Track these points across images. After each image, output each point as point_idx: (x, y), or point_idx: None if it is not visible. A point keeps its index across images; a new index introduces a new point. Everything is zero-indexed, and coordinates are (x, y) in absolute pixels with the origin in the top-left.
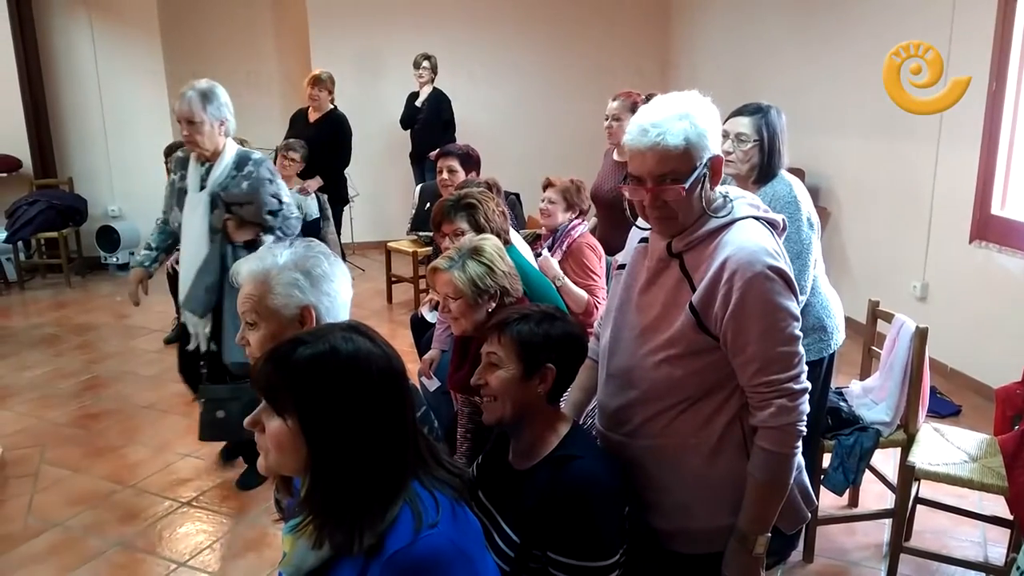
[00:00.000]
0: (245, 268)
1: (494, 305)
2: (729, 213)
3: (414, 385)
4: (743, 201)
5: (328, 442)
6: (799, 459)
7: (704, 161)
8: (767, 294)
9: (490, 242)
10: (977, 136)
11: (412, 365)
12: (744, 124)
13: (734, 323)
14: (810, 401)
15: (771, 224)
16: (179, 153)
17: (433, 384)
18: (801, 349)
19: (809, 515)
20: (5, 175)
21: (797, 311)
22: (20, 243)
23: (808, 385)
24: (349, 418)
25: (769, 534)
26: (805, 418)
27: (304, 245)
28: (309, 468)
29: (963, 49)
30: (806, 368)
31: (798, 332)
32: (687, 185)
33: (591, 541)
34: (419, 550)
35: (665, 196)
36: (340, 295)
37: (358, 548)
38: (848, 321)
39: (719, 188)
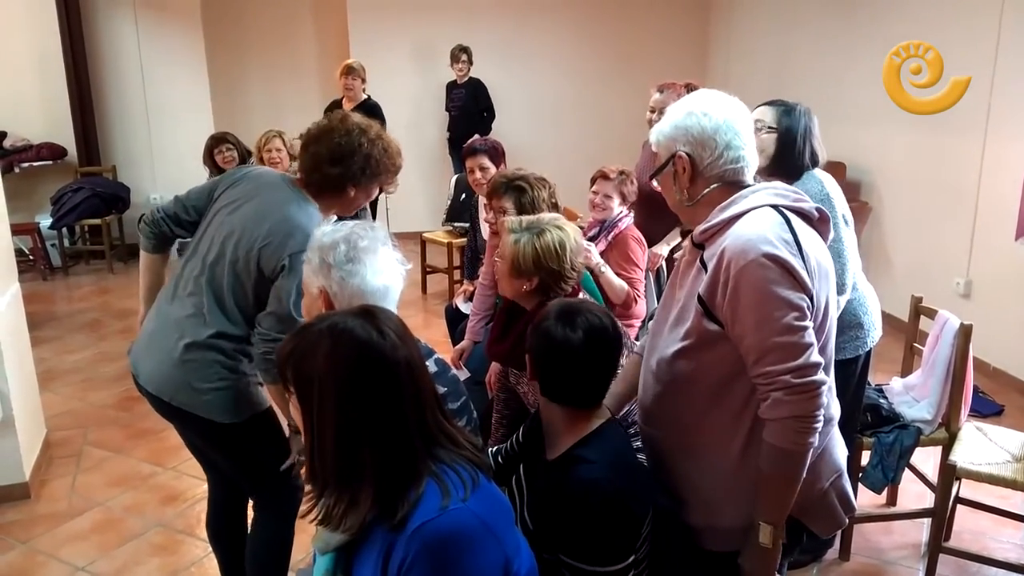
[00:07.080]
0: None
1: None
2: (737, 204)
3: (456, 376)
4: (768, 192)
5: (322, 423)
6: (840, 463)
7: (668, 158)
8: (760, 282)
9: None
10: None
11: (446, 356)
12: (764, 112)
13: (731, 312)
14: (844, 398)
15: (802, 214)
16: None
17: (463, 375)
18: (806, 340)
19: (847, 521)
20: (51, 163)
21: (799, 301)
22: (64, 229)
23: (819, 380)
24: (343, 405)
25: (773, 526)
26: (812, 416)
27: (350, 227)
28: (307, 446)
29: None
30: (818, 362)
31: (799, 323)
32: (650, 178)
33: (589, 545)
34: (444, 524)
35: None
36: (355, 285)
37: (384, 524)
38: (889, 317)
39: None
